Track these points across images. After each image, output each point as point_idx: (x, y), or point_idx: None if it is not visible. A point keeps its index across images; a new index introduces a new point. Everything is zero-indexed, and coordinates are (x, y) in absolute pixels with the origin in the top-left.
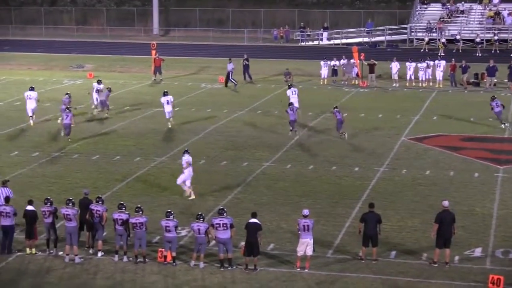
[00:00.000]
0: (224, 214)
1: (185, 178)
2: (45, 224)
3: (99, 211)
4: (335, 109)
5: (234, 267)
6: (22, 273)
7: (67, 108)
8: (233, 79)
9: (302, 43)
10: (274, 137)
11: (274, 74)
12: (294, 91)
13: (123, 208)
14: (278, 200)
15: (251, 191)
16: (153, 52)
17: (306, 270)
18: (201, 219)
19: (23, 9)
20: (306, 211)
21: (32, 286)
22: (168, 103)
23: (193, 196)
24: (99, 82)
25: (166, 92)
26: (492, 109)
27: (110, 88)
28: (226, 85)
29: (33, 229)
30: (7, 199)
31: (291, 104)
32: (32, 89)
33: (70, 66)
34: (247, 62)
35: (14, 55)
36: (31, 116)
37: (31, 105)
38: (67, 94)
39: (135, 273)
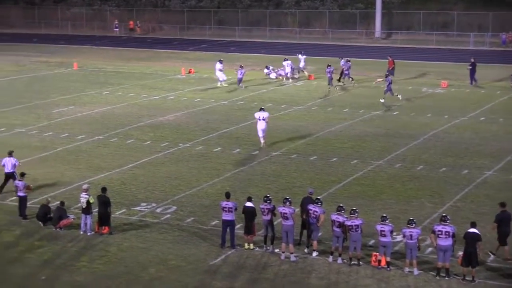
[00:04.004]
0: (447, 221)
1: None
2: (263, 221)
3: (316, 212)
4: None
5: (451, 277)
6: (241, 267)
7: (241, 66)
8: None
9: None
10: (497, 146)
11: (500, 79)
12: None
13: (342, 211)
14: None
15: (470, 200)
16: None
17: None
18: (413, 225)
19: (250, 11)
20: None
21: (249, 280)
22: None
23: None
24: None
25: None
26: None
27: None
28: (339, 80)
29: (251, 225)
30: (227, 195)
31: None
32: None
33: None
34: (470, 67)
35: (240, 55)
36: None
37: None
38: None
39: (348, 275)
